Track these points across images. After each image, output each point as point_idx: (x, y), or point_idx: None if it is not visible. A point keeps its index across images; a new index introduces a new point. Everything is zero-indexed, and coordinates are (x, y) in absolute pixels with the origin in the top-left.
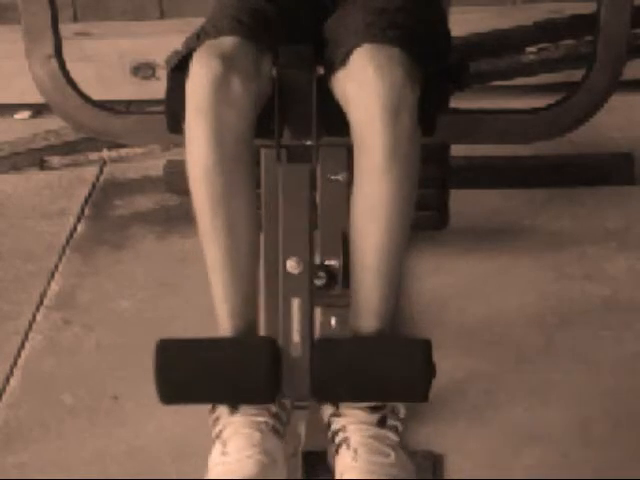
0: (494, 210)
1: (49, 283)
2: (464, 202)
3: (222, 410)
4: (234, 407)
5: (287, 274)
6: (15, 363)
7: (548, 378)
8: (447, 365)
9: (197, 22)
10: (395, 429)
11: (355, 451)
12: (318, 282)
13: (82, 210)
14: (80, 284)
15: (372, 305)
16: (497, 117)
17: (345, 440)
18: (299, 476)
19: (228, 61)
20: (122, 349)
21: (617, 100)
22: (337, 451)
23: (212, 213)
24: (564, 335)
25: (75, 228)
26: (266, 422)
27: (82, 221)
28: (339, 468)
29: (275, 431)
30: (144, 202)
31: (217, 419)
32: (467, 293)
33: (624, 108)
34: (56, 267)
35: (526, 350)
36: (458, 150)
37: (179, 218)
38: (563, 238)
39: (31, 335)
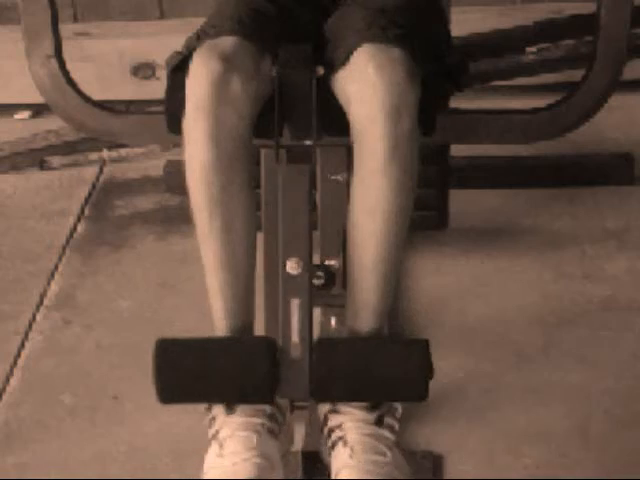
0: (494, 210)
1: (49, 283)
2: (464, 202)
3: (218, 410)
4: (230, 407)
5: (287, 275)
6: (15, 363)
7: (548, 378)
8: (447, 365)
9: (197, 22)
10: (392, 428)
11: (352, 449)
12: (317, 282)
13: (82, 210)
14: (80, 284)
15: (370, 304)
16: (497, 117)
17: (342, 438)
18: (299, 476)
19: (228, 61)
20: (122, 349)
21: (617, 100)
22: (333, 448)
23: (209, 213)
24: (564, 335)
25: (75, 228)
26: (262, 424)
27: (82, 221)
28: (335, 465)
29: (271, 432)
30: (144, 202)
31: (213, 419)
32: (467, 293)
33: (624, 108)
34: (56, 267)
35: (526, 350)
36: (458, 150)
37: (179, 218)
38: (563, 238)
39: (31, 335)
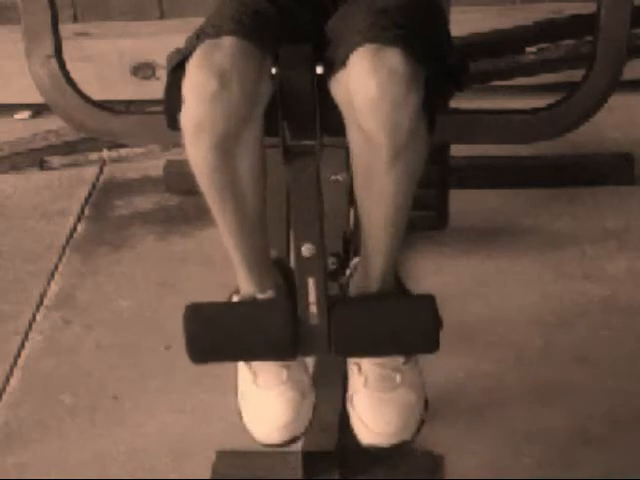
0: (494, 210)
1: (49, 283)
2: (464, 202)
3: None
4: None
5: (302, 258)
6: (15, 363)
7: (548, 378)
8: (447, 365)
9: (197, 22)
10: None
11: (366, 378)
12: (331, 267)
13: (82, 210)
14: (80, 284)
15: (379, 268)
16: (497, 117)
17: (357, 363)
18: (299, 476)
19: (226, 71)
20: (122, 349)
21: (617, 100)
22: (350, 370)
23: (219, 204)
24: (564, 335)
25: (75, 228)
26: None
27: (82, 221)
28: (351, 387)
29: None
30: (144, 202)
31: None
32: (467, 293)
33: (624, 108)
34: (56, 267)
35: (526, 350)
36: (458, 150)
37: (179, 218)
38: (563, 238)
39: (31, 335)
